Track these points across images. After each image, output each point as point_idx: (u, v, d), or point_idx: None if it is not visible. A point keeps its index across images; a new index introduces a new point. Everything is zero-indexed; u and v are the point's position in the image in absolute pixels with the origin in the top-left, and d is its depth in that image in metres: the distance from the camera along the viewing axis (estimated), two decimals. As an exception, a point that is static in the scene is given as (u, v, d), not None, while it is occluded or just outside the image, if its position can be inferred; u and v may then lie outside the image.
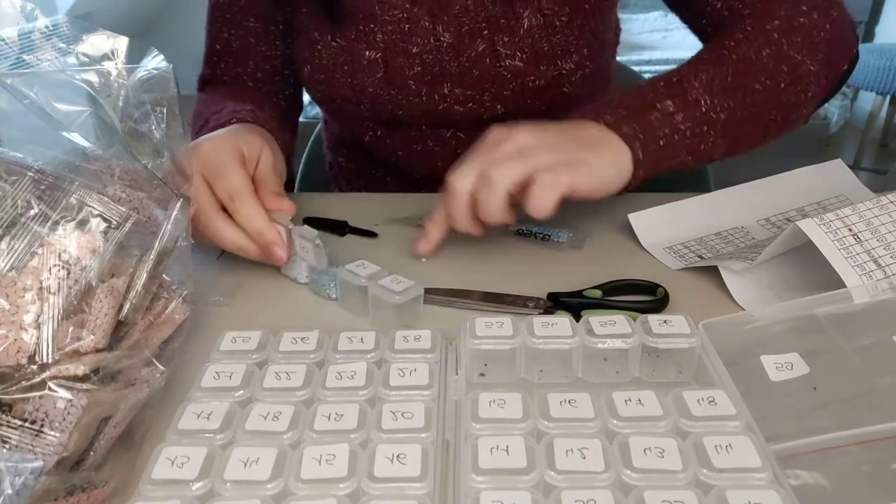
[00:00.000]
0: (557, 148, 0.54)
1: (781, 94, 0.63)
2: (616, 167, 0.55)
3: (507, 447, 0.36)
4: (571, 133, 0.56)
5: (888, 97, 3.03)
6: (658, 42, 3.34)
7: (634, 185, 0.58)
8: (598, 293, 0.54)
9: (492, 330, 0.45)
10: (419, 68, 0.72)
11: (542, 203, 0.51)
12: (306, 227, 0.56)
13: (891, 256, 0.49)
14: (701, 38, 0.74)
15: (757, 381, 0.42)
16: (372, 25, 0.71)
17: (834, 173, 0.68)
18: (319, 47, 0.74)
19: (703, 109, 0.59)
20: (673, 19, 0.78)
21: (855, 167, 2.87)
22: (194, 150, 0.59)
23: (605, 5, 0.73)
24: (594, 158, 0.54)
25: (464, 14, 0.70)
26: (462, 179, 0.54)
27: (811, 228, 0.50)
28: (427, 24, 0.70)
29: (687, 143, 0.59)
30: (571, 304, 0.53)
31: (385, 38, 0.71)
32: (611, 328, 0.44)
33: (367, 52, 0.72)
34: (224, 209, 0.58)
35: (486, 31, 0.70)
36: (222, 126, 0.66)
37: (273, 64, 0.84)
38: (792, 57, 0.63)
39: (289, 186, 0.96)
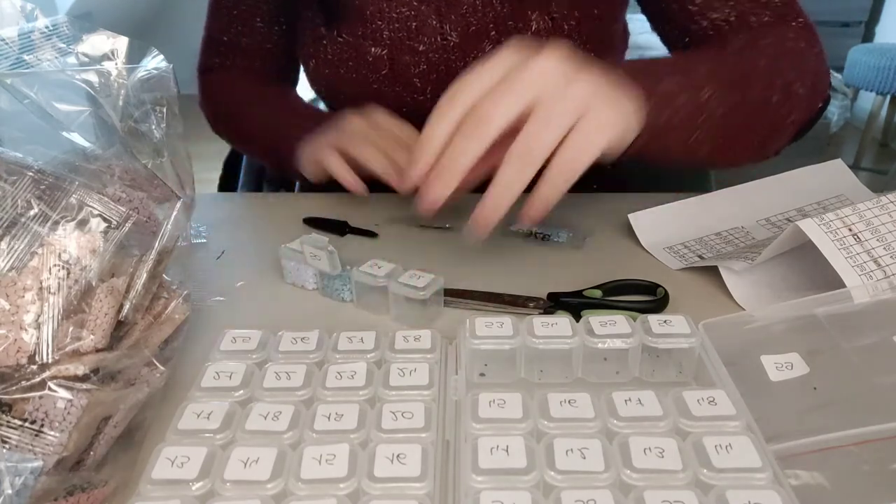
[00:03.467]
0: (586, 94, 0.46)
1: (771, 108, 0.60)
2: (632, 119, 0.49)
3: (507, 447, 0.36)
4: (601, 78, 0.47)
5: (888, 97, 3.03)
6: (658, 42, 3.33)
7: (630, 154, 0.52)
8: (598, 293, 0.54)
9: (492, 330, 0.45)
10: (425, 66, 0.72)
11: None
12: (316, 235, 0.56)
13: (891, 256, 0.49)
14: None
15: (757, 381, 0.42)
16: (379, 22, 0.71)
17: (834, 173, 0.68)
18: (325, 42, 0.74)
19: (704, 98, 0.54)
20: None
21: (855, 167, 2.88)
22: (364, 113, 0.69)
23: (615, 13, 0.72)
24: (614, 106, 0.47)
25: (472, 14, 0.70)
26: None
27: (811, 228, 0.50)
28: (434, 22, 0.70)
29: (682, 122, 0.53)
30: (571, 304, 0.53)
31: (391, 36, 0.71)
32: (611, 328, 0.44)
33: (372, 49, 0.72)
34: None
35: (493, 32, 0.70)
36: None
37: (278, 59, 0.85)
38: (786, 73, 0.61)
39: (290, 186, 0.97)
